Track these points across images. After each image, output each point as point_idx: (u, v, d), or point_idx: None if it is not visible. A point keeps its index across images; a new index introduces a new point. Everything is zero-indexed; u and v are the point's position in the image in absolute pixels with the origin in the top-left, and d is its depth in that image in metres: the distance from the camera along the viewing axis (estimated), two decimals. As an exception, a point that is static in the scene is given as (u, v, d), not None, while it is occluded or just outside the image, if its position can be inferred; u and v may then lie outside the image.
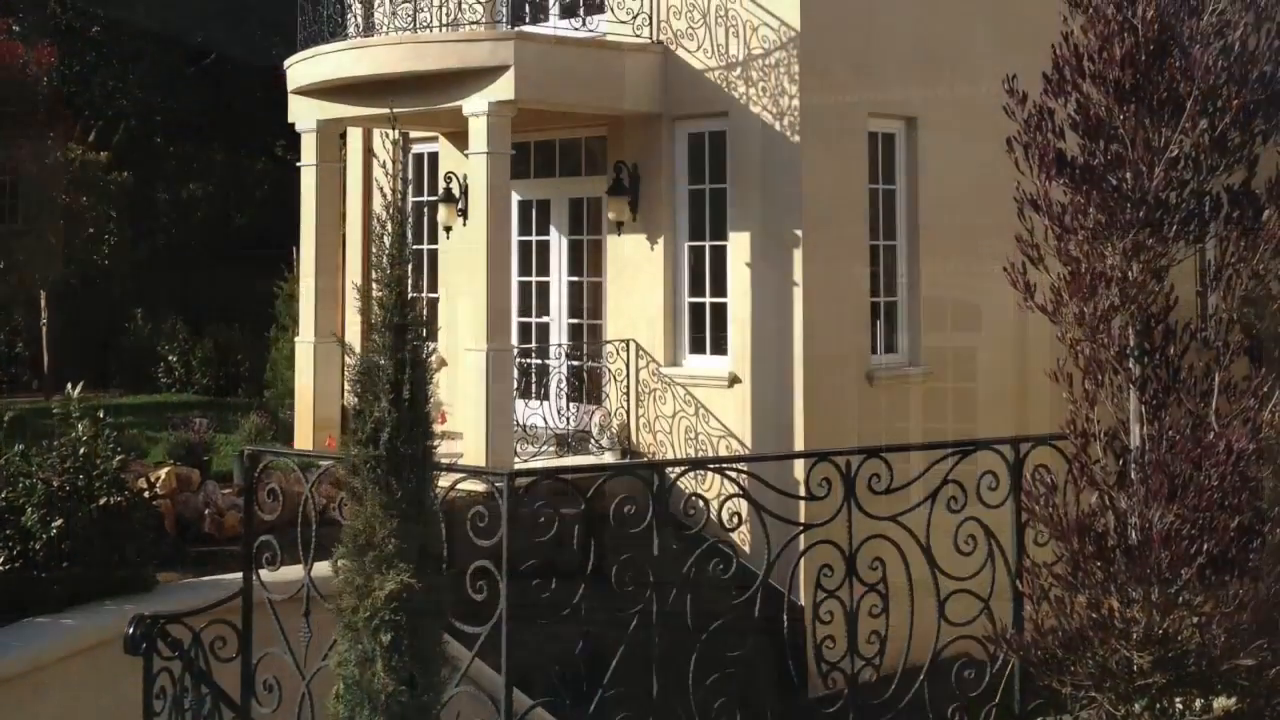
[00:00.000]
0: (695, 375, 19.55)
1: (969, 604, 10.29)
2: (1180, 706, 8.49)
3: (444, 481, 9.73)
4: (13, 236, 21.13)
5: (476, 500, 11.36)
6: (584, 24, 20.04)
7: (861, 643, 10.33)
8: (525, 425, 20.15)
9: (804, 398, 18.49)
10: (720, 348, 19.50)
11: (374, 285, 10.42)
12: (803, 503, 10.72)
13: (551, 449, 19.74)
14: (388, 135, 22.94)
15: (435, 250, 22.80)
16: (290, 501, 11.18)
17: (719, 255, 19.49)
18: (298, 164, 21.43)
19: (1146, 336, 10.22)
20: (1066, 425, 9.81)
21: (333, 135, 21.34)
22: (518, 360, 20.43)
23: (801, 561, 10.62)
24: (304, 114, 20.83)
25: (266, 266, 30.35)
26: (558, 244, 21.51)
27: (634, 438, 20.08)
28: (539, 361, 21.40)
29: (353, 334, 21.78)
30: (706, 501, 10.71)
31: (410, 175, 23.23)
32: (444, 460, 9.66)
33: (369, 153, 23.75)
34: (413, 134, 22.86)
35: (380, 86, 19.13)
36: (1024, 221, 10.84)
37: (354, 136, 23.88)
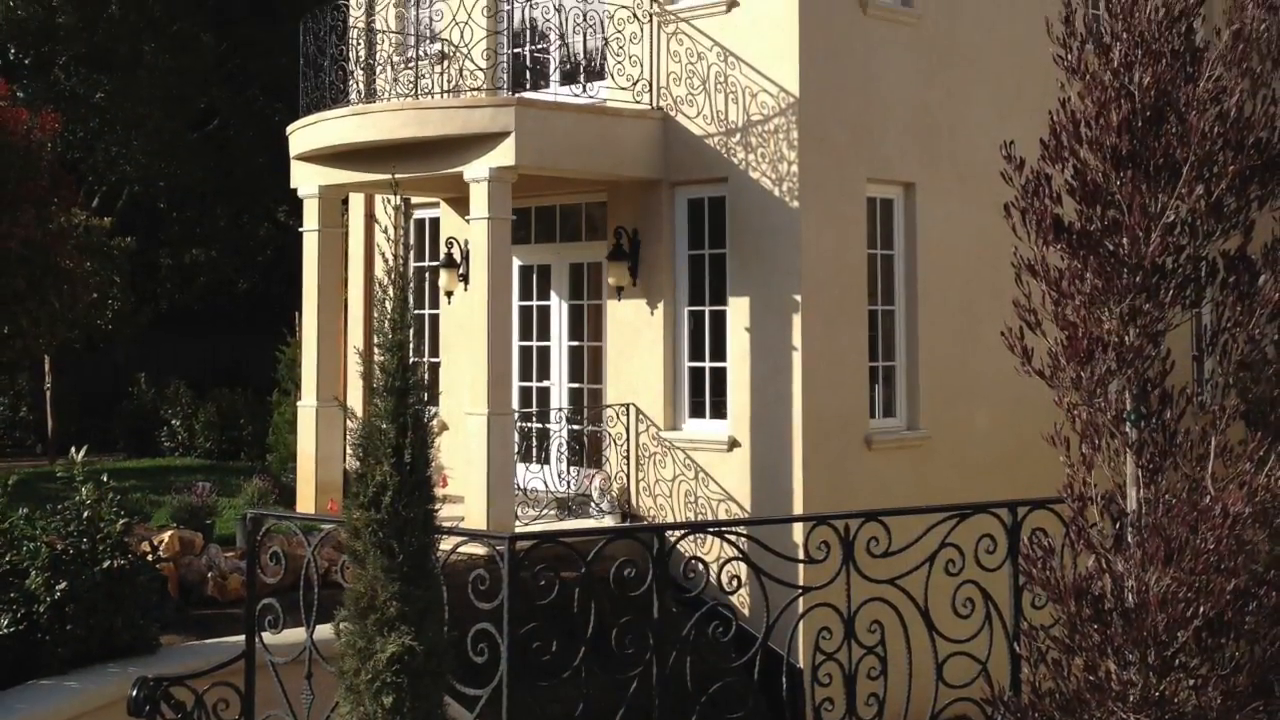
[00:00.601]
0: (695, 439, 19.60)
1: (967, 666, 10.34)
2: (1178, 769, 8.52)
3: (445, 545, 9.79)
4: (16, 301, 21.17)
5: (478, 563, 11.42)
6: (584, 90, 20.15)
7: (860, 704, 10.38)
8: (526, 489, 20.19)
9: (803, 462, 18.53)
10: (720, 412, 19.56)
11: (376, 349, 10.49)
12: (802, 566, 10.78)
13: (552, 512, 19.77)
14: (389, 201, 23.05)
15: (437, 315, 22.88)
16: (293, 565, 11.24)
17: (719, 320, 19.58)
18: (300, 229, 21.51)
19: (1143, 401, 10.28)
20: (1064, 489, 9.86)
21: (335, 201, 21.43)
22: (518, 424, 20.48)
23: (800, 624, 10.67)
24: (306, 180, 20.92)
25: (269, 331, 30.49)
26: (558, 309, 21.60)
27: (634, 501, 20.12)
28: (540, 425, 21.46)
29: (355, 398, 21.86)
30: (706, 564, 10.77)
31: (412, 240, 23.32)
32: (445, 523, 9.71)
33: (371, 218, 23.86)
34: (414, 199, 22.96)
35: (382, 152, 19.22)
36: (1021, 286, 10.92)
37: (356, 202, 23.98)
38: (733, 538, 10.65)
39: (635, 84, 19.85)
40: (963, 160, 20.53)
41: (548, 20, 20.82)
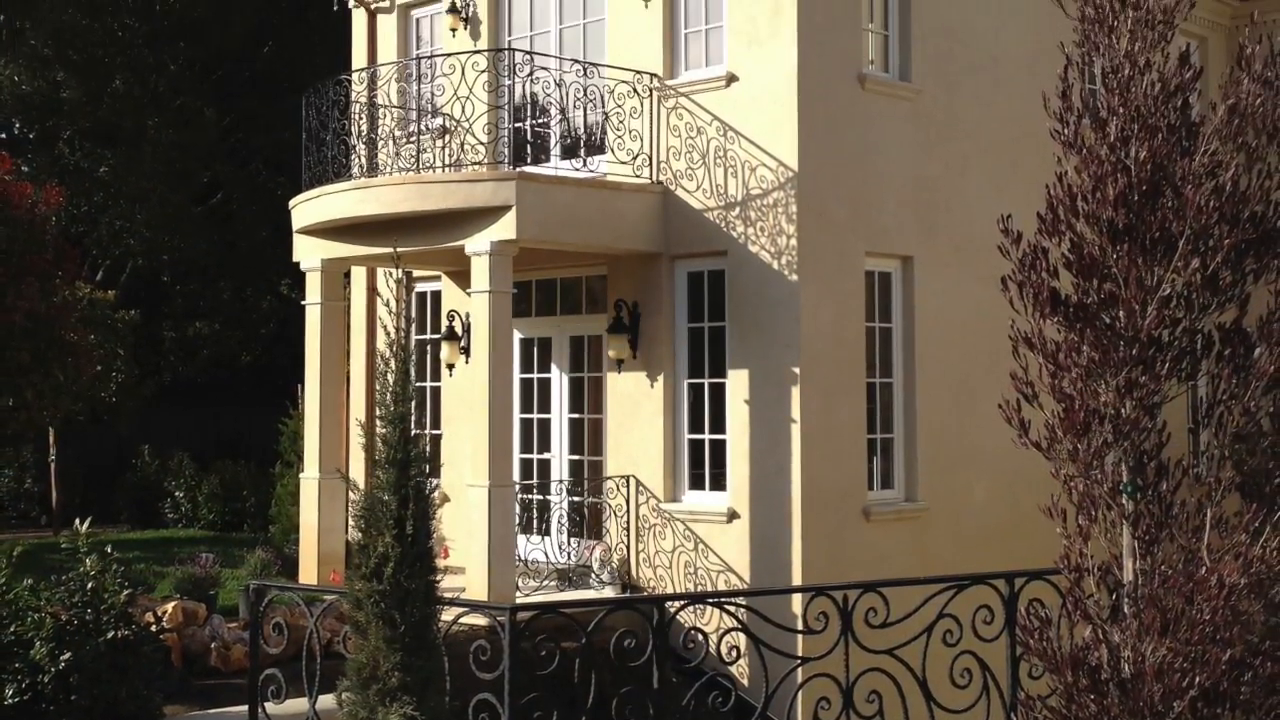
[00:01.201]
0: (695, 511, 19.66)
1: (966, 737, 10.37)
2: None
3: (447, 615, 9.85)
4: (21, 373, 21.27)
5: (479, 634, 11.47)
6: (585, 164, 20.28)
7: (860, 775, 10.41)
8: (527, 560, 20.22)
9: (802, 533, 18.59)
10: (719, 483, 19.62)
11: (377, 422, 10.59)
12: (800, 636, 10.84)
13: (553, 583, 19.80)
14: (391, 274, 23.16)
15: (438, 387, 22.96)
16: (295, 635, 11.31)
17: (718, 392, 19.66)
18: (303, 302, 21.60)
19: (1139, 472, 10.35)
20: (1061, 560, 9.92)
21: (337, 274, 21.53)
22: (519, 496, 20.55)
23: (799, 694, 10.72)
24: (309, 253, 21.04)
25: (272, 403, 30.62)
26: (559, 381, 21.69)
27: (634, 572, 20.15)
28: (540, 497, 21.51)
29: (357, 470, 21.92)
30: (706, 635, 10.82)
31: (414, 313, 23.42)
32: (447, 594, 9.77)
33: (373, 291, 23.97)
34: (416, 272, 23.09)
35: (384, 226, 19.33)
36: (1019, 359, 11.01)
37: (358, 275, 24.10)
38: (732, 608, 10.71)
39: (635, 158, 20.00)
40: (960, 234, 20.67)
41: (548, 95, 20.97)
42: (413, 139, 22.29)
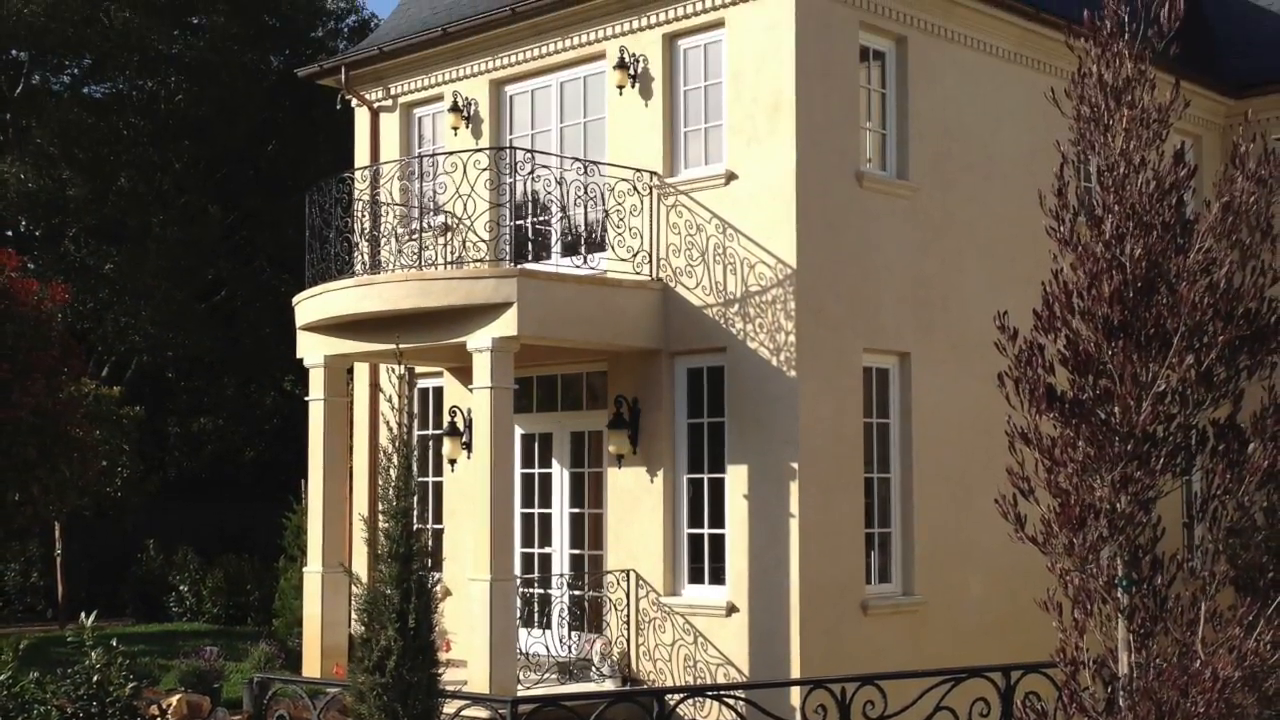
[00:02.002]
0: (694, 604, 19.71)
1: (964, 830, 10.42)
2: None
3: (449, 708, 9.93)
4: (27, 469, 21.38)
5: (481, 727, 11.51)
6: (585, 261, 20.44)
7: None
8: (528, 653, 20.24)
9: (800, 626, 18.64)
10: (719, 577, 19.68)
11: (380, 516, 10.70)
12: (800, 729, 10.88)
13: (554, 676, 19.81)
14: (394, 370, 23.28)
15: (440, 482, 23.04)
16: (298, 728, 11.34)
17: (717, 487, 19.75)
18: (306, 398, 21.72)
19: (1134, 567, 10.44)
20: (1056, 653, 10.00)
21: (340, 370, 21.65)
22: (521, 590, 20.60)
23: (799, 788, 10.75)
24: (312, 349, 21.17)
25: (275, 498, 30.75)
26: (560, 476, 21.78)
27: (634, 665, 20.18)
28: (541, 591, 21.56)
29: (360, 564, 21.95)
30: (706, 728, 10.89)
31: (416, 409, 23.51)
32: (449, 687, 9.85)
33: (375, 387, 24.10)
34: (418, 368, 23.21)
35: (386, 322, 19.47)
36: (1015, 454, 11.12)
37: (361, 371, 24.23)
38: (731, 701, 10.79)
39: (635, 255, 20.18)
40: (957, 330, 20.83)
41: (549, 193, 21.17)
42: (415, 236, 22.48)
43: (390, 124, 24.42)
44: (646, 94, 20.50)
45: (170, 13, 41.47)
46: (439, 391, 23.21)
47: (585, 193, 20.56)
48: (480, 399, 18.66)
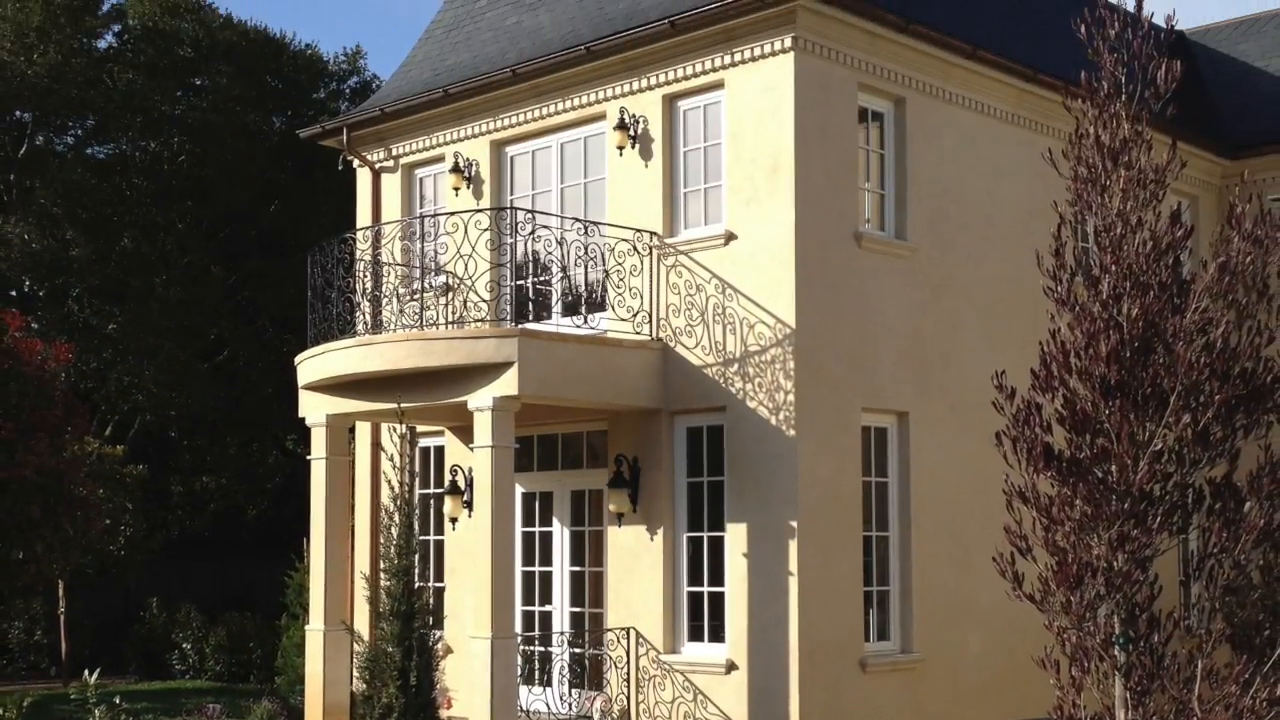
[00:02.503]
0: (694, 662, 19.73)
1: None
2: None
3: (450, 766, 9.98)
4: (31, 527, 21.49)
5: (481, 785, 11.56)
6: (586, 321, 20.55)
7: None
8: (529, 711, 20.25)
9: (799, 684, 18.66)
10: (718, 635, 19.71)
11: (382, 574, 10.80)
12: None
13: (554, 737, 19.83)
14: (395, 429, 23.36)
15: (441, 540, 23.08)
16: (300, 786, 11.39)
17: (717, 545, 19.80)
18: (308, 457, 21.79)
19: (1131, 625, 10.51)
20: (1054, 710, 10.07)
21: (342, 429, 21.72)
22: (521, 647, 20.63)
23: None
24: (314, 409, 21.25)
25: (278, 556, 30.83)
26: (560, 535, 21.83)
27: (635, 726, 20.20)
28: (542, 648, 21.59)
29: (362, 622, 21.99)
30: (706, 786, 10.94)
31: (417, 468, 23.57)
32: (450, 745, 9.91)
33: (377, 446, 24.18)
34: (420, 427, 23.29)
35: (388, 382, 19.56)
36: (1012, 513, 11.21)
37: (362, 430, 24.31)
38: (731, 759, 10.83)
39: (636, 315, 20.29)
40: (955, 389, 20.92)
41: (550, 253, 21.29)
42: (416, 296, 22.60)
43: (392, 184, 24.56)
44: (646, 154, 20.64)
45: (173, 74, 41.81)
46: (440, 450, 23.28)
47: (586, 253, 20.68)
48: (481, 458, 18.73)
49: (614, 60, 20.83)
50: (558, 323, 21.21)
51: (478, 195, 22.84)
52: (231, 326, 41.41)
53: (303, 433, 24.19)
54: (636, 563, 20.37)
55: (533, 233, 20.69)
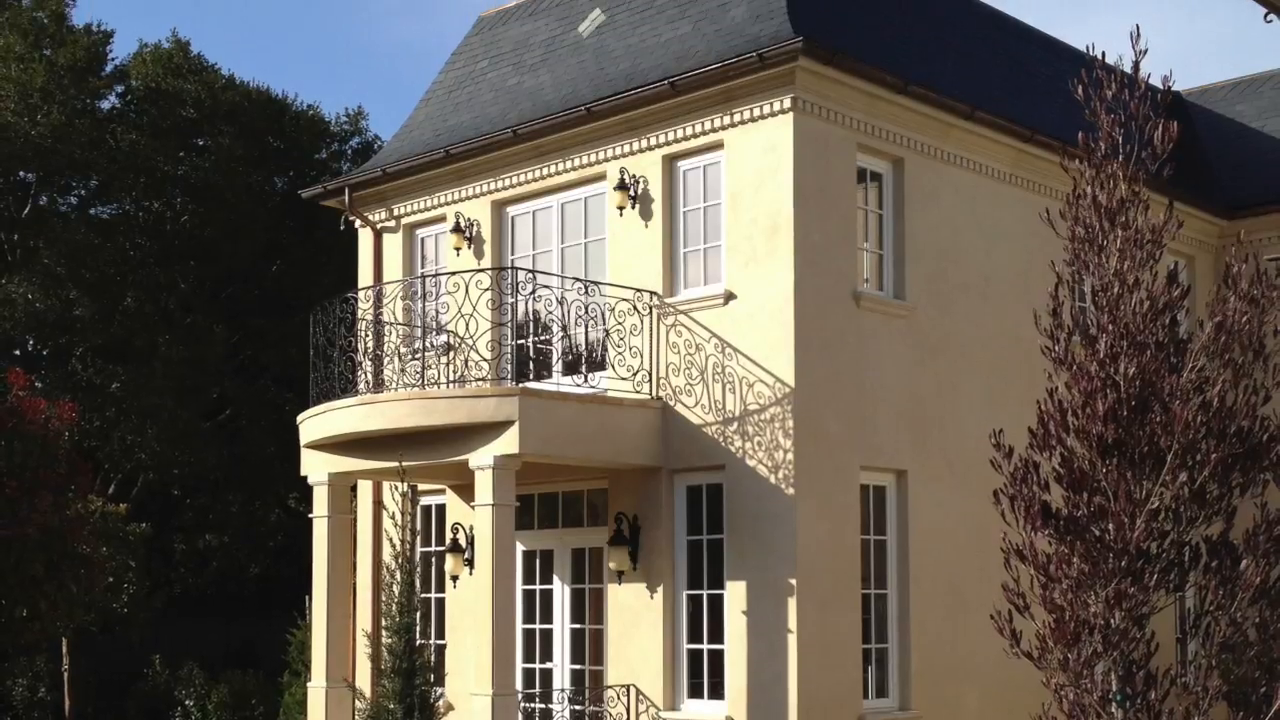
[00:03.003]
0: (694, 719, 19.78)
1: None
2: None
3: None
4: (34, 585, 21.56)
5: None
6: (586, 380, 20.64)
7: None
8: (529, 771, 20.26)
9: (800, 742, 18.70)
10: (718, 692, 19.72)
11: (383, 632, 10.87)
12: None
13: (554, 796, 19.82)
14: (397, 487, 23.37)
15: (443, 598, 23.11)
16: (302, 843, 11.42)
17: (716, 603, 19.83)
18: (310, 515, 21.84)
19: (1129, 682, 10.58)
20: (1051, 766, 10.10)
21: (344, 488, 21.77)
22: (522, 705, 20.65)
23: None
24: (316, 467, 21.32)
25: (280, 613, 30.87)
26: (561, 593, 21.87)
27: (635, 784, 20.19)
28: (543, 706, 21.58)
29: (363, 679, 22.00)
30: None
31: (419, 526, 23.57)
32: (451, 802, 9.97)
33: (379, 504, 24.21)
34: (421, 486, 23.34)
35: (389, 441, 19.64)
36: (1010, 571, 11.29)
37: (364, 488, 24.35)
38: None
39: (636, 374, 20.38)
40: (953, 448, 20.98)
41: (551, 313, 21.39)
42: (418, 355, 22.69)
43: (393, 244, 24.66)
44: (646, 215, 20.77)
45: (176, 135, 42.05)
46: (441, 508, 23.33)
47: (586, 312, 20.78)
48: (482, 516, 18.81)
49: (614, 121, 20.98)
50: (558, 382, 21.27)
51: (479, 255, 22.94)
52: (234, 385, 41.53)
53: (305, 491, 24.24)
54: (637, 620, 20.40)
55: (533, 292, 20.80)
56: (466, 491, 20.80)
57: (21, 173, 40.78)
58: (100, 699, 33.15)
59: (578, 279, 20.92)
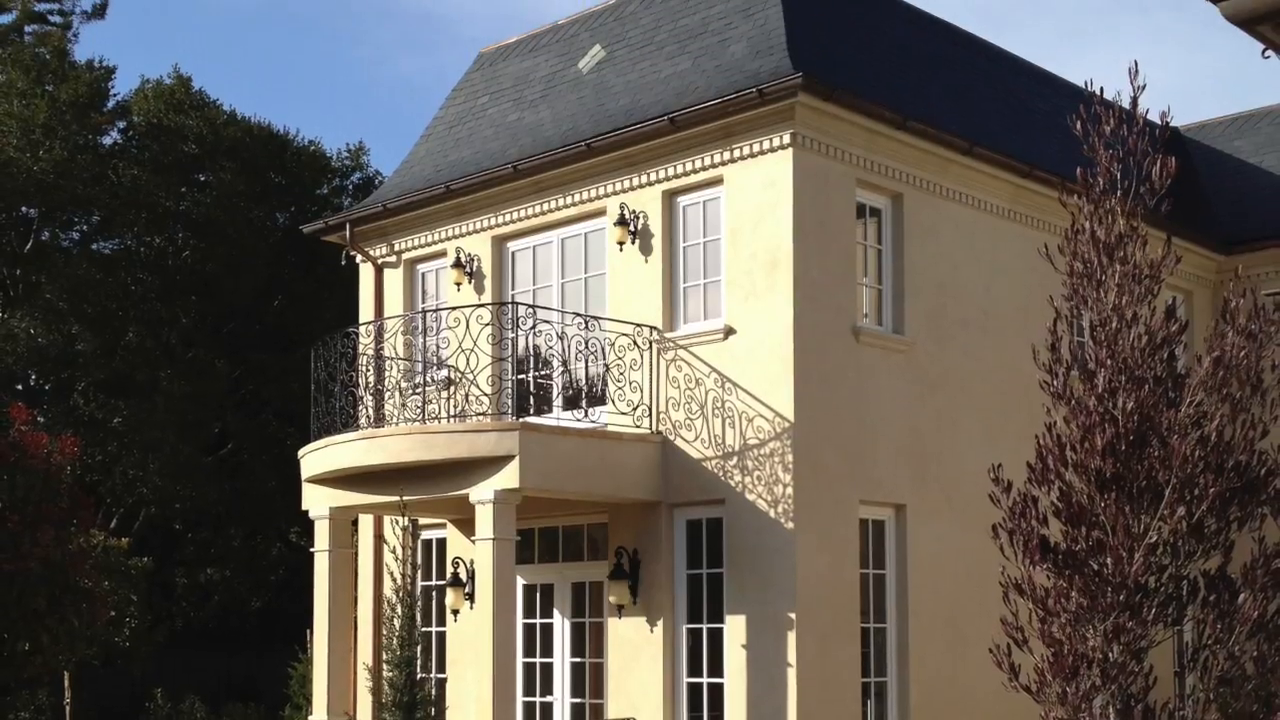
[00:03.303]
0: (696, 756, 19.77)
1: None
2: None
3: None
4: (36, 619, 21.60)
5: None
6: (586, 415, 20.69)
7: None
8: (529, 806, 20.26)
9: (801, 776, 18.70)
10: (719, 728, 19.75)
11: (384, 665, 10.92)
12: None
13: (554, 831, 19.81)
14: (398, 522, 23.42)
15: (444, 632, 23.11)
16: None
17: (716, 637, 19.85)
18: (311, 549, 21.86)
19: (1127, 715, 10.61)
20: (1049, 799, 10.12)
21: (345, 522, 21.78)
22: (522, 741, 20.66)
23: None
24: (317, 502, 21.35)
25: (282, 647, 30.89)
26: (561, 626, 21.88)
27: (636, 817, 20.18)
28: (543, 742, 21.61)
29: (364, 712, 22.01)
30: None
31: (419, 560, 23.59)
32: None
33: (380, 538, 24.22)
34: (422, 520, 23.37)
35: (390, 475, 19.66)
36: (1009, 605, 11.32)
37: (365, 523, 24.37)
38: None
39: (636, 409, 20.42)
40: (952, 482, 21.01)
41: (551, 347, 21.45)
42: (418, 390, 22.74)
43: (394, 279, 24.72)
44: (646, 250, 20.83)
45: (177, 170, 42.19)
46: (442, 543, 23.36)
47: (586, 347, 20.83)
48: (483, 550, 18.83)
49: (614, 157, 21.05)
50: (559, 416, 21.33)
51: (479, 290, 22.99)
52: (235, 420, 41.60)
53: (306, 525, 24.29)
54: (637, 654, 20.42)
55: (534, 327, 20.86)
56: (467, 526, 20.83)
57: (24, 208, 40.92)
58: (102, 733, 33.22)
59: (578, 314, 20.98)
